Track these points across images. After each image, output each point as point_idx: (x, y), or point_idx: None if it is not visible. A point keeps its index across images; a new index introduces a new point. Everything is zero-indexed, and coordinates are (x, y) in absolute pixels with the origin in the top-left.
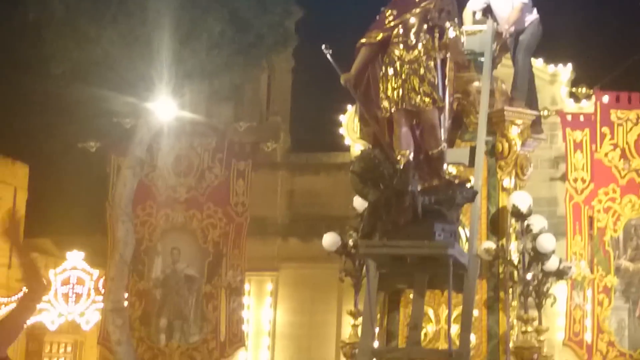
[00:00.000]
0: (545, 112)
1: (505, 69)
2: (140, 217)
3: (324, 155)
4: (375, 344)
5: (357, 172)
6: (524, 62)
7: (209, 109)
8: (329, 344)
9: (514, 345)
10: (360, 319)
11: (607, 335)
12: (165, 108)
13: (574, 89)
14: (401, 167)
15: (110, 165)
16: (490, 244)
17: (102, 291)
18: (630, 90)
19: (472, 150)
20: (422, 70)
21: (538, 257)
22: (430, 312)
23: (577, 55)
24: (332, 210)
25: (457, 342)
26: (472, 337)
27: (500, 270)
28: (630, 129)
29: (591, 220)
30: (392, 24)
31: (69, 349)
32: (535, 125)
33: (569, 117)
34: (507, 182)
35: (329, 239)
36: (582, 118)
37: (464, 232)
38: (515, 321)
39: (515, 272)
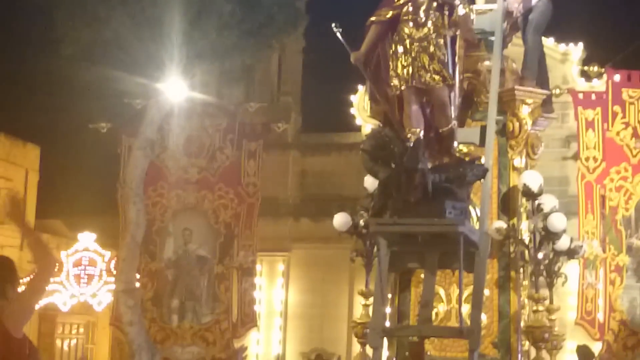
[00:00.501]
0: (557, 91)
1: (516, 48)
2: (151, 197)
3: (335, 135)
4: (387, 324)
5: (367, 150)
6: (534, 41)
7: (219, 89)
8: (341, 323)
9: (525, 324)
10: (371, 299)
11: (619, 314)
12: (175, 89)
13: (585, 68)
14: (411, 145)
15: (121, 146)
16: (501, 224)
17: (114, 272)
18: None
19: (483, 130)
20: (431, 48)
21: (549, 236)
22: (442, 291)
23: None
24: (344, 190)
25: (468, 322)
26: (483, 317)
27: (511, 249)
28: None
29: (603, 199)
30: (401, 1)
31: (81, 330)
32: (546, 105)
33: (580, 96)
34: (518, 161)
35: (340, 219)
36: (593, 97)
37: (474, 212)
38: (526, 300)
39: (527, 252)
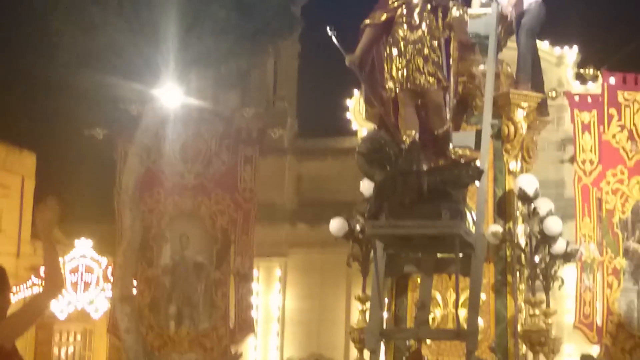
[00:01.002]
0: (553, 94)
1: (511, 52)
2: (148, 204)
3: (331, 140)
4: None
5: (363, 153)
6: (527, 44)
7: (215, 95)
8: (338, 329)
9: (522, 328)
10: (368, 304)
11: (616, 317)
12: (171, 95)
13: (580, 71)
14: (407, 147)
15: (117, 152)
16: (497, 228)
17: (111, 279)
18: (637, 72)
19: (478, 134)
20: (426, 50)
21: (545, 239)
22: (438, 296)
23: (583, 37)
24: (340, 195)
25: (465, 325)
26: (480, 321)
27: (508, 253)
28: (637, 111)
29: (600, 202)
30: (395, 4)
31: (78, 337)
32: (541, 108)
33: (576, 99)
34: (514, 165)
35: (336, 225)
36: (589, 99)
37: (470, 215)
38: (523, 304)
39: (523, 255)
